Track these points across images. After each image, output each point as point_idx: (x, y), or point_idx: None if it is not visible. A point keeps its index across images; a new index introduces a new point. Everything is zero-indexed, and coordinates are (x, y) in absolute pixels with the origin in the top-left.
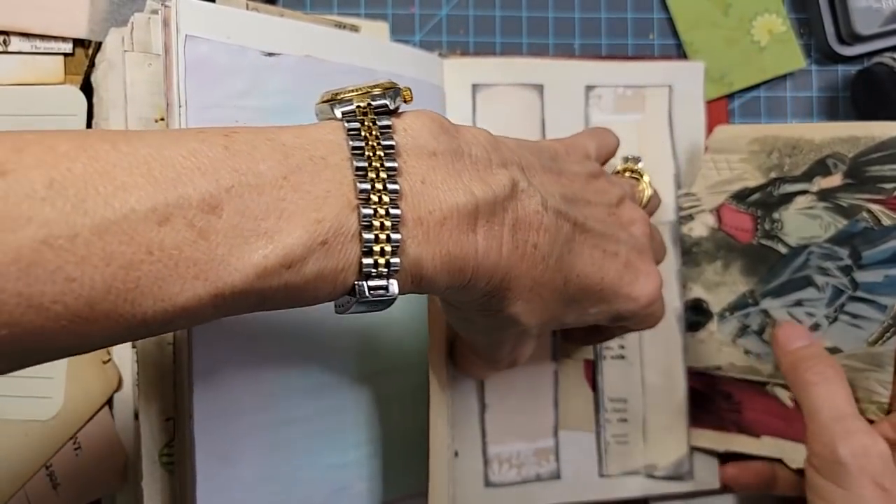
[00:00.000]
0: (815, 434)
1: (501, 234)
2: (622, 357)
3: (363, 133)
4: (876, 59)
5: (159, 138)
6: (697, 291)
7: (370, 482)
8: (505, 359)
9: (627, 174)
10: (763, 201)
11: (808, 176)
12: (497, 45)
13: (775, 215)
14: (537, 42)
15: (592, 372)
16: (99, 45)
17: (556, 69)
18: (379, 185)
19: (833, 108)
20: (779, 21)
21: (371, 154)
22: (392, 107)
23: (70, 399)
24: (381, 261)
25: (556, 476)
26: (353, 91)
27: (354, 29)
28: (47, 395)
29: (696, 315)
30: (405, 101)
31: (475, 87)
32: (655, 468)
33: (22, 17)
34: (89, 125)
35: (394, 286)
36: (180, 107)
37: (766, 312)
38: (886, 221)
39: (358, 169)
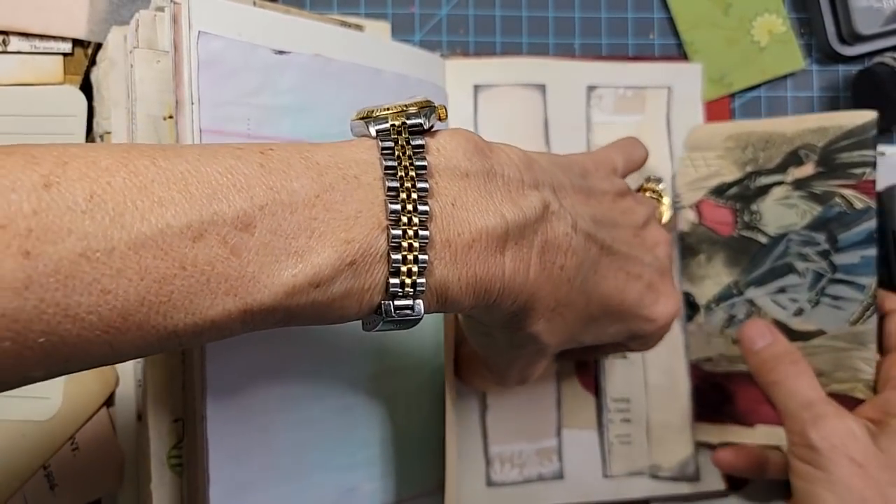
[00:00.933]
0: (789, 425)
1: (530, 255)
2: (624, 357)
3: (396, 152)
4: (877, 59)
5: (197, 154)
6: (684, 285)
7: (379, 482)
8: (516, 376)
9: (648, 194)
10: (741, 194)
11: (782, 167)
12: (497, 45)
13: (753, 207)
14: (537, 42)
15: (595, 372)
16: (99, 45)
17: (557, 69)
18: (410, 207)
19: (834, 108)
20: (779, 21)
21: (403, 174)
22: (426, 126)
23: (68, 400)
24: (408, 281)
25: (559, 476)
26: (388, 109)
27: (359, 28)
28: (46, 395)
29: (684, 308)
30: (440, 119)
31: (477, 88)
32: (660, 469)
33: (21, 16)
34: (90, 125)
35: (419, 306)
36: (193, 104)
37: (751, 301)
38: (858, 205)
39: (390, 189)
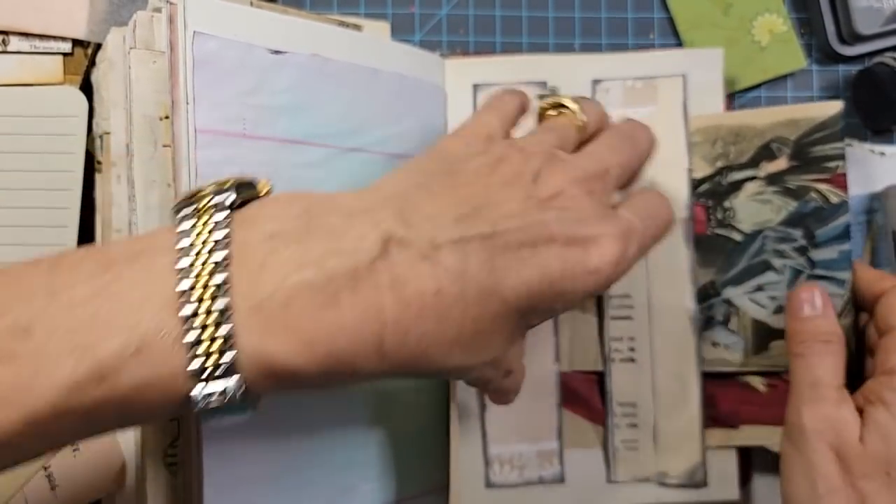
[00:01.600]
0: (792, 399)
1: (380, 298)
2: (632, 360)
3: (197, 230)
4: (877, 59)
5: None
6: None
7: (377, 482)
8: (496, 380)
9: (551, 112)
10: (713, 191)
11: (754, 162)
12: (497, 45)
13: (726, 204)
14: (537, 42)
15: (601, 376)
16: (99, 46)
17: (560, 64)
18: (203, 281)
19: None
20: (779, 21)
21: (200, 250)
22: (229, 202)
23: None
24: (210, 362)
25: (560, 480)
26: (206, 189)
27: (357, 28)
28: None
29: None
30: (260, 195)
31: (476, 87)
32: (667, 475)
33: (21, 16)
34: (90, 126)
35: (234, 386)
36: (188, 104)
37: (728, 302)
38: (834, 199)
39: (182, 270)
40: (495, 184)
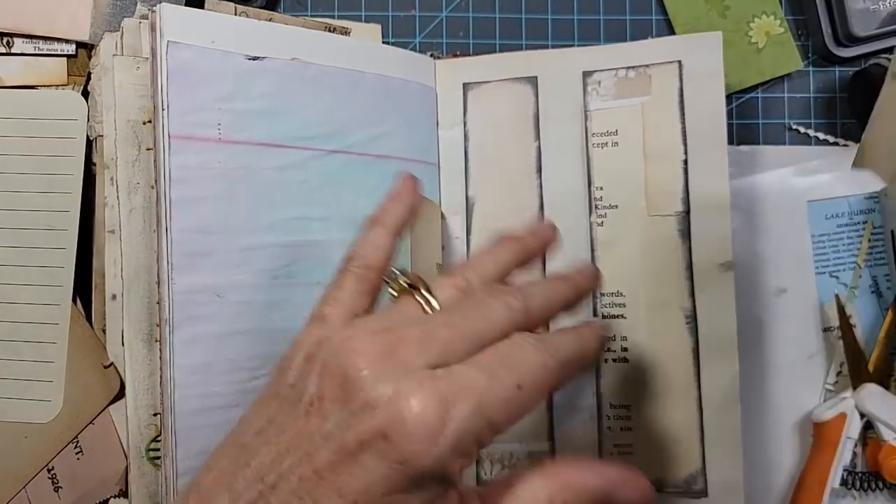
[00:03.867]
0: None
1: None
2: (625, 360)
3: None
4: (873, 61)
5: None
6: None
7: None
8: None
9: (409, 296)
10: None
11: None
12: (496, 47)
13: None
14: (536, 44)
15: (595, 376)
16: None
17: (550, 58)
18: None
19: (830, 109)
20: (776, 23)
21: None
22: None
23: (69, 403)
24: None
25: None
26: None
27: (345, 32)
28: (46, 398)
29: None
30: None
31: (466, 86)
32: (665, 483)
33: (25, 19)
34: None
35: None
36: (163, 110)
37: None
38: None
39: None
40: (301, 415)
